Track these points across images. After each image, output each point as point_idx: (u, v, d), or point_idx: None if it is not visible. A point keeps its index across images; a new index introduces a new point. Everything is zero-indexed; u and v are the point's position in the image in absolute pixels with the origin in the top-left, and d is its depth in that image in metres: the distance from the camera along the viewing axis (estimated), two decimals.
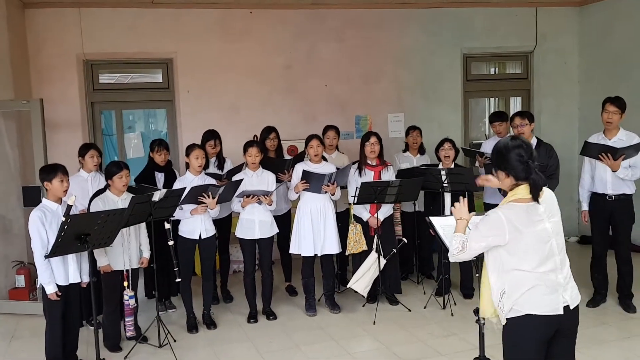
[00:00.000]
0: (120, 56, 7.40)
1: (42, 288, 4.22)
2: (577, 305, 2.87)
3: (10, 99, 6.14)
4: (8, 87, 6.26)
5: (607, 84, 7.71)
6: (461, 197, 3.24)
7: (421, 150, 6.62)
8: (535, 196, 2.76)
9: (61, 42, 7.05)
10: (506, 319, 2.84)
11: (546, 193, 2.85)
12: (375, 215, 5.56)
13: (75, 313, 4.44)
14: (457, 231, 3.02)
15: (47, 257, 4.01)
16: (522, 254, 2.77)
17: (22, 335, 5.36)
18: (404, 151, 6.65)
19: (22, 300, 5.94)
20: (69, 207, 3.98)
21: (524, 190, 2.79)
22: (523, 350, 2.82)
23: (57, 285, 4.19)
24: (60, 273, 4.22)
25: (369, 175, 5.60)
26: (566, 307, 2.79)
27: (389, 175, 5.66)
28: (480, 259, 3.72)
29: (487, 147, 6.45)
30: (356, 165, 5.69)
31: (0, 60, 6.16)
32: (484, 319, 3.07)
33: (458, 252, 2.92)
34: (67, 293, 4.28)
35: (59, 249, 3.92)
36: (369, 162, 5.63)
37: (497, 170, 2.87)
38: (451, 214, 3.25)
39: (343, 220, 5.88)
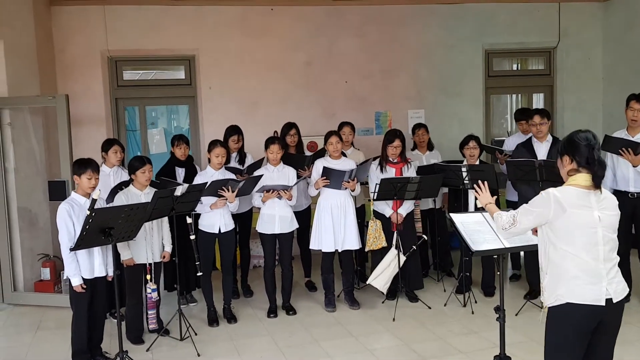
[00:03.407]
0: (144, 53, 7.49)
1: (69, 280, 4.30)
2: (622, 301, 2.87)
3: (36, 95, 6.27)
4: (35, 83, 6.39)
5: (631, 80, 7.60)
6: (480, 182, 3.40)
7: (430, 147, 6.59)
8: (597, 183, 2.84)
9: (86, 39, 7.17)
10: (548, 307, 2.88)
11: (608, 194, 2.93)
12: (397, 211, 5.56)
13: (101, 306, 4.52)
14: (492, 213, 3.20)
15: (72, 249, 4.09)
16: (564, 233, 2.82)
17: (47, 327, 5.47)
18: (413, 149, 6.62)
19: (48, 293, 6.07)
20: (94, 201, 4.04)
21: (582, 177, 2.86)
22: (563, 338, 2.85)
23: (83, 279, 4.27)
24: (86, 266, 4.29)
25: (390, 172, 5.60)
26: (609, 300, 2.79)
27: (410, 172, 5.66)
28: (502, 257, 3.73)
29: (510, 143, 6.41)
30: (377, 161, 5.69)
31: (27, 57, 6.30)
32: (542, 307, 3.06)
33: (510, 225, 3.00)
34: (94, 286, 4.36)
35: (83, 242, 3.98)
36: (390, 159, 5.63)
37: (564, 155, 2.96)
38: (475, 209, 3.32)
39: (360, 216, 5.89)
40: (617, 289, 2.84)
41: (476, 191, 3.38)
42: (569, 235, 2.81)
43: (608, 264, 2.84)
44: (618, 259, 2.91)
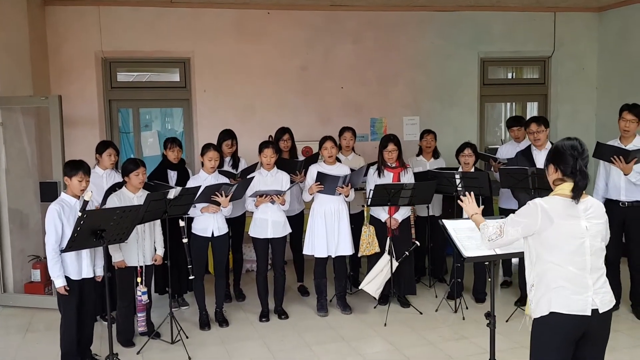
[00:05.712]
0: (139, 55, 7.46)
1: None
2: (609, 312, 2.86)
3: (29, 95, 6.23)
4: (27, 83, 6.35)
5: (625, 90, 7.65)
6: (467, 193, 3.37)
7: (435, 155, 6.60)
8: (576, 194, 2.80)
9: (80, 39, 7.13)
10: (534, 318, 2.87)
11: (594, 201, 2.91)
12: (393, 216, 5.56)
13: (89, 308, 4.48)
14: (478, 224, 3.17)
15: (63, 251, 4.06)
16: (551, 244, 2.80)
17: (37, 329, 5.43)
18: (418, 155, 6.64)
19: (38, 294, 6.02)
20: (85, 202, 4.02)
21: (568, 187, 2.84)
22: (548, 348, 2.84)
23: (71, 280, 4.23)
24: (74, 268, 4.25)
25: (388, 177, 5.60)
26: (595, 311, 2.79)
27: (408, 177, 5.66)
28: (494, 263, 3.74)
29: (504, 151, 6.44)
30: (375, 166, 5.70)
31: (20, 57, 6.26)
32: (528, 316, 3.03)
33: (496, 236, 2.97)
34: (82, 288, 4.33)
35: (74, 244, 3.95)
36: (388, 164, 5.63)
37: (549, 164, 2.96)
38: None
39: (357, 221, 5.89)
40: (604, 299, 2.83)
41: (462, 201, 3.34)
42: (556, 246, 2.80)
43: (595, 274, 2.83)
44: (605, 268, 2.89)
